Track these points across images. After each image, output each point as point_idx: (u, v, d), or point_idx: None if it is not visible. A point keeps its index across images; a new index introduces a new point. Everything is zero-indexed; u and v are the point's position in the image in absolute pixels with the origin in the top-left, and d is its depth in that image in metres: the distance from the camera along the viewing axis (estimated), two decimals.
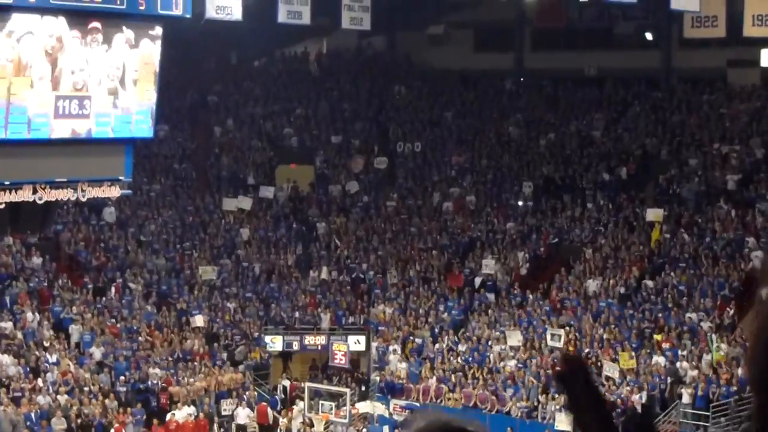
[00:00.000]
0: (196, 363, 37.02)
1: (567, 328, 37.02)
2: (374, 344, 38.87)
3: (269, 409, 36.20)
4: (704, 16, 35.53)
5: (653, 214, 41.02)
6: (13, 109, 19.01)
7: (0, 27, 18.46)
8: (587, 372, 1.68)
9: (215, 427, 35.25)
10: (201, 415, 34.86)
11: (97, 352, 36.06)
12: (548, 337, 36.37)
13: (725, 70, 46.72)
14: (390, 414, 35.12)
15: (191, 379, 36.19)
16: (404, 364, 37.51)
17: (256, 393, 36.89)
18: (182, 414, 34.61)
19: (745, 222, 40.02)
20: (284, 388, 37.80)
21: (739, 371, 33.08)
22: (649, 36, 46.33)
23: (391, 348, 38.26)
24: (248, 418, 35.61)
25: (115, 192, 22.21)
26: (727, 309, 36.24)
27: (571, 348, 35.91)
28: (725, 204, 41.04)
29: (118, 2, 19.39)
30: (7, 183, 19.71)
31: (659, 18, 42.29)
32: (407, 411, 35.21)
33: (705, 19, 36.99)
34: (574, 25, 44.35)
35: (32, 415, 32.62)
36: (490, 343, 37.38)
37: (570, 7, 43.23)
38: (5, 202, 20.09)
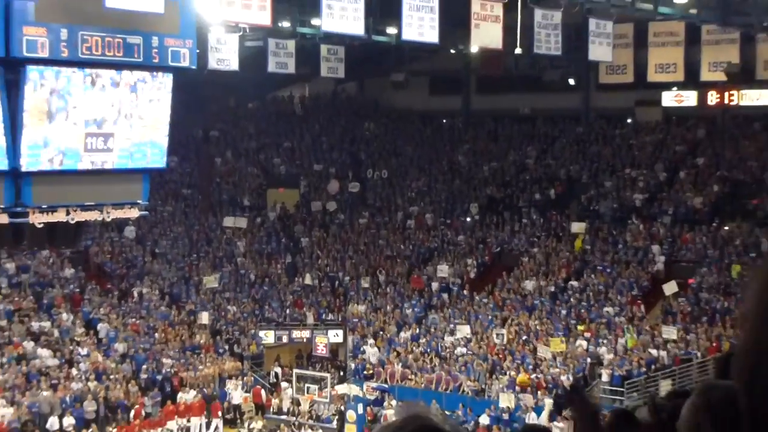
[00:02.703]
0: (202, 354, 36.91)
1: (509, 321, 37.03)
2: (350, 337, 38.73)
3: (263, 391, 36.07)
4: (616, 65, 35.74)
5: (577, 227, 41.18)
6: (52, 145, 18.89)
7: (37, 77, 18.37)
8: (585, 395, 1.52)
9: (225, 406, 35.12)
10: (200, 396, 34.70)
11: (120, 346, 35.88)
12: (494, 336, 36.24)
13: (633, 109, 47.01)
14: (364, 394, 34.99)
15: (200, 367, 36.06)
16: (375, 351, 37.44)
17: (252, 378, 36.75)
18: (189, 396, 34.46)
19: (651, 233, 40.19)
20: (276, 374, 37.63)
21: (649, 353, 33.30)
22: (571, 81, 46.43)
23: (364, 340, 38.10)
24: (242, 398, 35.44)
25: (134, 213, 22.08)
26: (637, 304, 36.40)
27: (510, 337, 35.98)
28: (635, 219, 41.22)
29: (137, 56, 19.28)
30: (45, 206, 19.56)
31: (580, 66, 42.57)
32: (378, 391, 35.14)
33: (616, 68, 37.24)
34: (510, 72, 44.47)
35: (67, 398, 32.49)
36: (444, 335, 37.33)
37: (507, 58, 43.47)
38: (44, 222, 19.94)
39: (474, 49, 26.70)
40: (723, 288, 35.81)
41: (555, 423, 29.59)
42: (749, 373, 1.24)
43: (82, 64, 18.87)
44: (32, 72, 18.35)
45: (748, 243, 37.75)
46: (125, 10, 17.69)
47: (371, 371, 36.53)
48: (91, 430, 31.87)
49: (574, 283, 38.54)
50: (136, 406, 33.22)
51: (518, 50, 25.33)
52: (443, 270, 40.89)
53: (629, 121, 47.76)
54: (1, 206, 19.19)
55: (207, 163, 49.03)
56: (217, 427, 34.49)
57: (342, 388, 35.68)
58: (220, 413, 34.88)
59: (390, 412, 33.26)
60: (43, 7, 17.51)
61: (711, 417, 1.56)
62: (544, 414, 31.27)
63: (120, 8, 17.54)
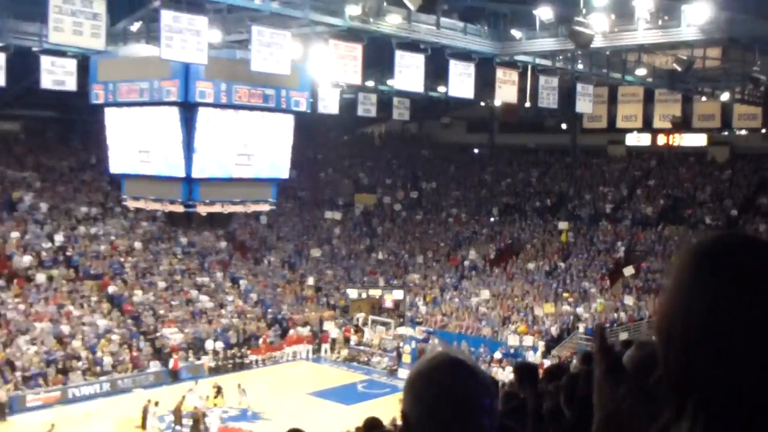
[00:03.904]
0: (308, 303, 37.07)
1: (515, 288, 36.64)
2: (408, 296, 38.65)
3: (351, 329, 36.08)
4: (594, 114, 35.04)
5: (562, 224, 40.67)
6: (213, 161, 19.16)
7: (205, 115, 18.63)
8: (604, 333, 1.51)
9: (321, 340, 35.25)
10: (305, 331, 34.87)
11: (254, 296, 36.20)
12: (506, 297, 35.83)
13: (606, 146, 46.39)
14: (416, 335, 34.86)
15: (306, 312, 36.24)
16: (424, 307, 37.32)
17: (342, 320, 36.78)
18: (298, 331, 34.62)
19: (616, 231, 39.58)
20: (358, 318, 37.67)
21: (613, 314, 32.75)
22: (563, 126, 46.12)
23: (417, 298, 38.04)
24: (337, 334, 35.54)
25: (266, 207, 22.28)
26: (605, 280, 35.86)
27: (517, 299, 35.58)
28: (605, 221, 40.62)
29: (271, 103, 19.46)
30: (207, 201, 19.81)
31: (570, 115, 42.20)
32: (425, 333, 34.94)
33: (595, 117, 36.45)
34: (522, 119, 44.22)
35: (218, 329, 32.86)
36: (472, 296, 37.09)
37: (520, 109, 42.94)
38: (206, 212, 20.21)
39: (497, 102, 26.41)
40: (665, 271, 35.07)
41: (545, 360, 29.25)
42: (666, 331, 1.18)
43: (235, 107, 19.10)
44: (202, 112, 18.63)
45: (683, 240, 36.99)
46: (265, 72, 17.85)
47: (421, 319, 36.37)
48: (233, 351, 32.29)
49: (562, 264, 38.06)
50: (264, 336, 33.56)
51: (527, 104, 24.96)
52: (472, 253, 40.67)
53: (603, 154, 47.04)
54: (179, 200, 19.52)
55: (315, 175, 49.31)
56: (325, 350, 34.83)
57: (401, 330, 35.58)
58: (327, 341, 35.04)
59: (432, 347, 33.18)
60: (210, 68, 17.75)
61: (639, 366, 1.53)
62: (539, 353, 30.96)
63: (261, 71, 17.71)
